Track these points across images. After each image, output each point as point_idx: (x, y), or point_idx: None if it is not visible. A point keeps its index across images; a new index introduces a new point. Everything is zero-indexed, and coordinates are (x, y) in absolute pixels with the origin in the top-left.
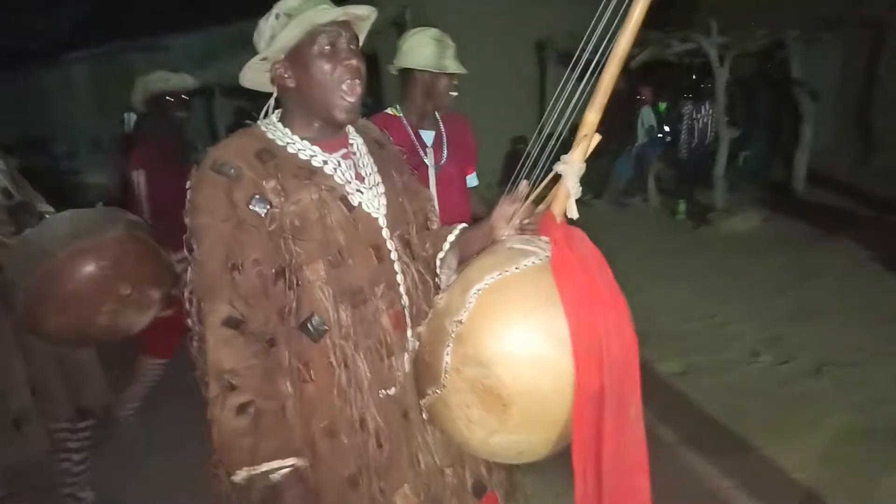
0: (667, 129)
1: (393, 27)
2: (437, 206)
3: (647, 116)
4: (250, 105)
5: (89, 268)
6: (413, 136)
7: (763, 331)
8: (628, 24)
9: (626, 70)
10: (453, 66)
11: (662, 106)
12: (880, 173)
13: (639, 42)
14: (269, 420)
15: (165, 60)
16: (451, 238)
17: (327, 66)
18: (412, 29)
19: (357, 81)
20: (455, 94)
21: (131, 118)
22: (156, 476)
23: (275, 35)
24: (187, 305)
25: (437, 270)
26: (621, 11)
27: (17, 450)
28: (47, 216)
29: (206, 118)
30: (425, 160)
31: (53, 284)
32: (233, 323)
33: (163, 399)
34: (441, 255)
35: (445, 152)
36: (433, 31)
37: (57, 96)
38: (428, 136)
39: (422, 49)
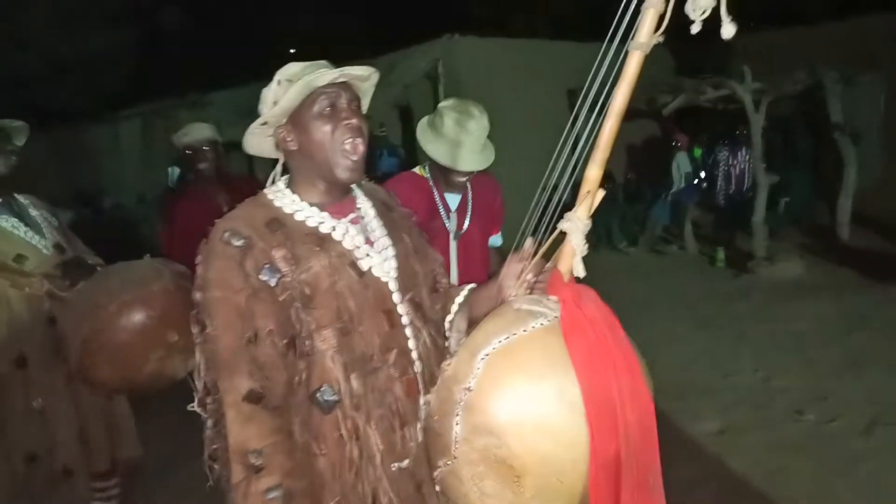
0: (703, 175)
1: (426, 79)
2: (455, 272)
3: (682, 162)
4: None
5: (138, 318)
6: (438, 199)
7: (809, 386)
8: (623, 77)
9: (660, 116)
10: (467, 162)
11: (698, 151)
12: None
13: (672, 89)
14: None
15: (209, 116)
16: (459, 299)
17: (327, 127)
18: (444, 101)
19: (359, 140)
20: (463, 179)
21: (174, 172)
22: None
23: (277, 101)
24: (199, 387)
25: (447, 333)
26: (620, 61)
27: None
28: (98, 269)
29: (248, 170)
30: (447, 225)
31: (105, 335)
32: (254, 397)
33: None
34: (450, 317)
35: (469, 218)
36: (454, 117)
37: (107, 152)
38: (453, 199)
39: (438, 143)
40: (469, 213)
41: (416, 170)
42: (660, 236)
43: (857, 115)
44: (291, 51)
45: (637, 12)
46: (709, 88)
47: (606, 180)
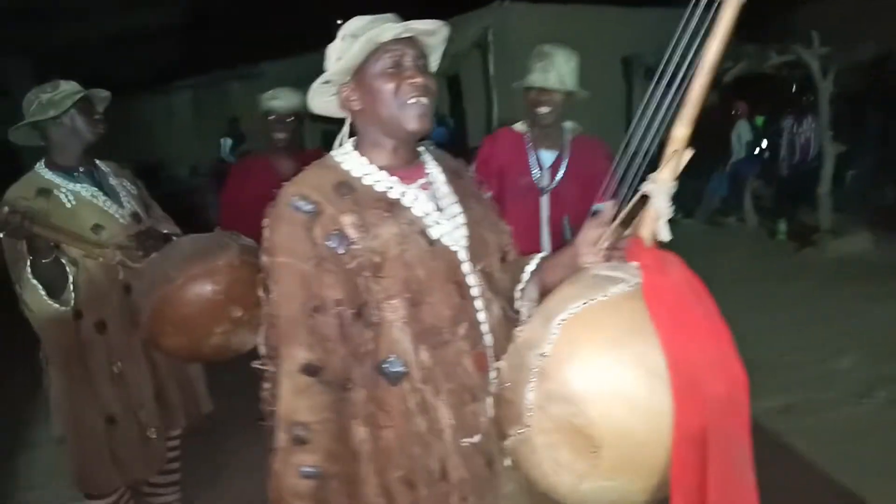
0: (765, 144)
1: (475, 48)
2: (547, 232)
3: (743, 131)
4: (338, 129)
5: (204, 292)
6: (531, 154)
7: (875, 367)
8: (717, 30)
9: (719, 84)
10: (538, 78)
11: (760, 120)
12: None
13: (733, 55)
14: (332, 489)
15: (259, 87)
16: (530, 268)
17: (390, 85)
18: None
19: (424, 99)
20: (545, 109)
21: (227, 143)
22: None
23: (340, 57)
24: (261, 348)
25: (517, 302)
26: (708, 20)
27: (143, 464)
28: (173, 238)
29: (298, 142)
30: (536, 180)
31: (171, 307)
32: (311, 370)
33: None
34: (520, 286)
35: (561, 175)
36: (537, 48)
37: (161, 123)
38: (548, 156)
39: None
40: (563, 170)
41: (516, 126)
42: (717, 208)
43: None
44: (339, 21)
45: None
46: (773, 54)
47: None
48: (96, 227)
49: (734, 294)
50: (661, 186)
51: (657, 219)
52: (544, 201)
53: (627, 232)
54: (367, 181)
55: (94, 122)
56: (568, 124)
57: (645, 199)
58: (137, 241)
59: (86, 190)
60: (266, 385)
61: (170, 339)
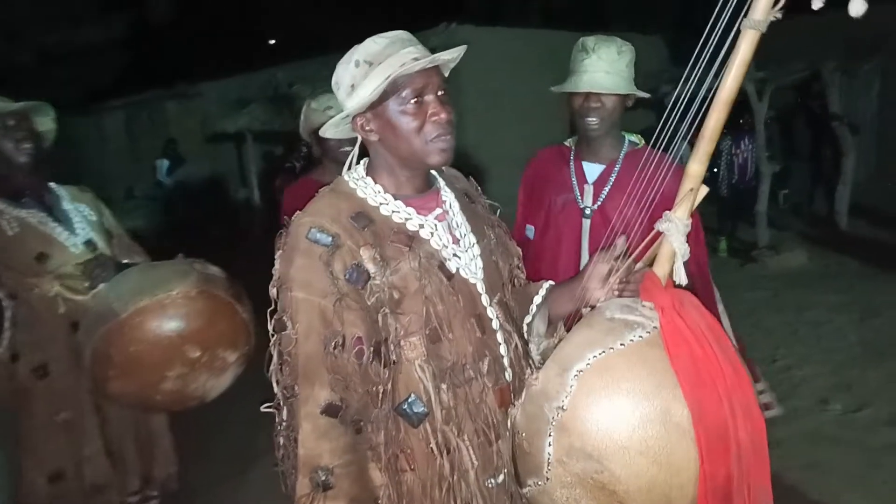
0: None
1: None
2: (585, 259)
3: (685, 153)
4: (280, 149)
5: (154, 328)
6: (571, 169)
7: (830, 375)
8: (734, 65)
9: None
10: (580, 80)
11: None
12: None
13: (672, 80)
14: None
15: (197, 107)
16: (537, 300)
17: (414, 124)
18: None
19: (448, 137)
20: (594, 118)
21: (163, 165)
22: None
23: (355, 85)
24: (275, 388)
25: (525, 336)
26: (718, 51)
27: None
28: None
29: (237, 163)
30: (577, 200)
31: (115, 347)
32: (333, 410)
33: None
34: (528, 319)
35: (606, 192)
36: (581, 42)
37: (93, 144)
38: (593, 170)
39: (565, 82)
40: (609, 187)
41: (567, 141)
42: None
43: (855, 106)
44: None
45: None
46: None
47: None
48: (41, 256)
49: None
50: (677, 225)
51: (673, 258)
52: (586, 224)
53: (639, 266)
54: (384, 211)
55: (21, 139)
56: (631, 135)
57: (659, 234)
58: (84, 270)
59: (33, 216)
60: (280, 428)
61: (116, 383)
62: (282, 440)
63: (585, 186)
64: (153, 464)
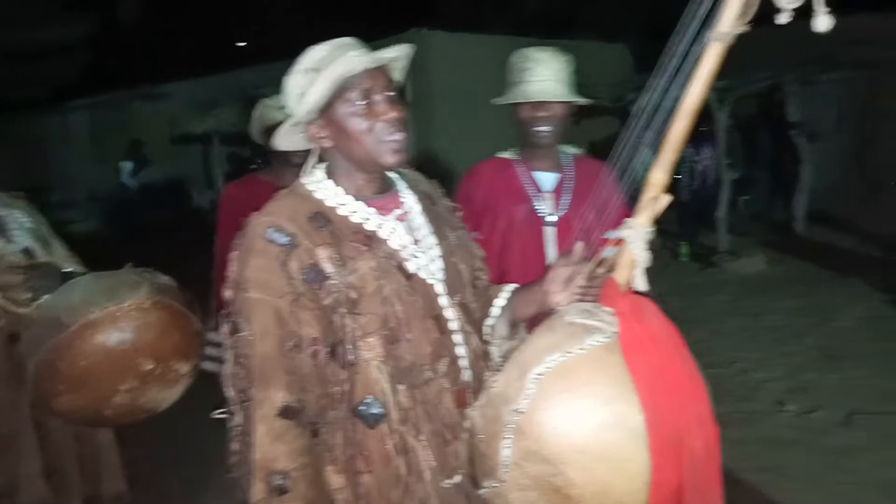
0: None
1: None
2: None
3: (647, 159)
4: (247, 151)
5: (106, 341)
6: (525, 179)
7: (787, 378)
8: (699, 75)
9: (624, 113)
10: (534, 91)
11: None
12: (881, 212)
13: (636, 87)
14: None
15: (163, 108)
16: (499, 302)
17: (364, 124)
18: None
19: (400, 134)
20: (545, 127)
21: (127, 167)
22: None
23: (303, 93)
24: (228, 393)
25: (486, 338)
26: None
27: None
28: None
29: (203, 165)
30: (538, 208)
31: (65, 361)
32: (289, 412)
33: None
34: (490, 321)
35: (568, 200)
36: (522, 57)
37: (56, 144)
38: (548, 179)
39: (509, 91)
40: (569, 194)
41: (505, 153)
42: None
43: (814, 115)
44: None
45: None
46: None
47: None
48: None
49: None
50: (638, 232)
51: (634, 265)
52: (550, 233)
53: (600, 271)
54: (342, 212)
55: None
56: (564, 146)
57: (621, 241)
58: (24, 280)
59: None
60: (235, 433)
61: (64, 399)
62: (236, 445)
63: (543, 195)
64: (100, 482)
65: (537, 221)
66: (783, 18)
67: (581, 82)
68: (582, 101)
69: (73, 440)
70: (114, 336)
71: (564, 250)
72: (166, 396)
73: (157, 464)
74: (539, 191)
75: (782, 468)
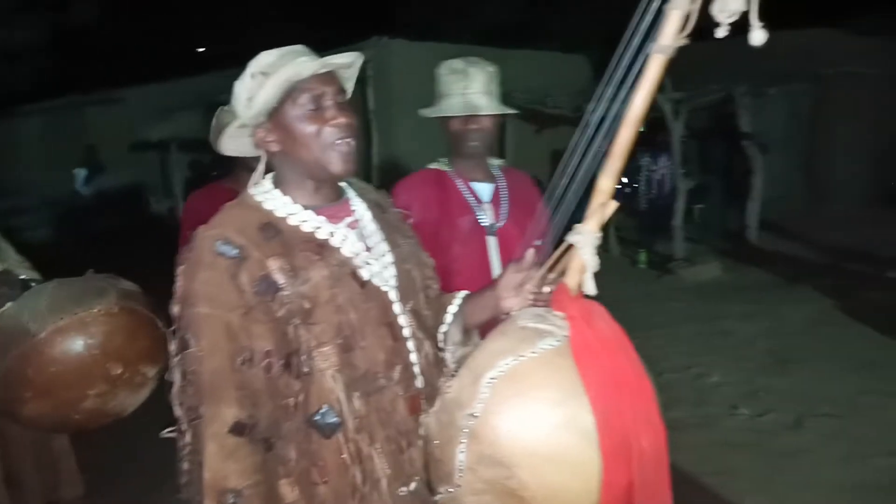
0: (625, 181)
1: (355, 83)
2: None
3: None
4: (206, 158)
5: (75, 347)
6: (464, 190)
7: (740, 382)
8: (642, 85)
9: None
10: (471, 104)
11: None
12: (829, 221)
13: (595, 96)
14: None
15: (119, 113)
16: (452, 309)
17: (313, 128)
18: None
19: (349, 140)
20: (477, 139)
21: (81, 174)
22: None
23: (252, 97)
24: (177, 411)
25: (440, 345)
26: (632, 72)
27: None
28: (32, 285)
29: (160, 172)
30: (480, 219)
31: (33, 368)
32: (240, 429)
33: None
34: (444, 328)
35: (506, 210)
36: (450, 69)
37: (7, 150)
38: (484, 189)
39: (440, 104)
40: (506, 203)
41: (433, 164)
42: None
43: (764, 127)
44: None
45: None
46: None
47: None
48: None
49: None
50: (587, 237)
51: (583, 270)
52: (492, 242)
53: (552, 276)
54: (292, 221)
55: None
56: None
57: (570, 247)
58: None
59: None
60: (184, 452)
61: (31, 406)
62: (186, 465)
63: (483, 206)
64: (58, 487)
65: (480, 232)
66: (721, 33)
67: (542, 92)
68: (511, 111)
69: (31, 447)
70: (83, 342)
71: (507, 259)
72: (134, 400)
73: (114, 468)
74: (479, 201)
75: (735, 471)
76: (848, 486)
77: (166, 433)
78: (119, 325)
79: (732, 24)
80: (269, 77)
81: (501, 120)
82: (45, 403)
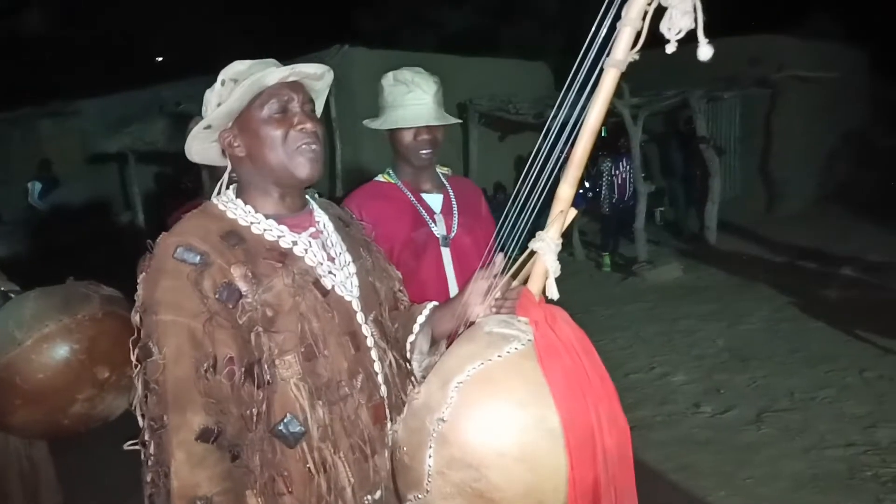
0: (588, 185)
1: None
2: (453, 284)
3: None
4: (171, 170)
5: (62, 353)
6: (415, 202)
7: (702, 380)
8: (598, 95)
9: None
10: (420, 115)
11: None
12: (784, 221)
13: (556, 102)
14: None
15: (74, 126)
16: (420, 319)
17: (279, 132)
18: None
19: (314, 146)
20: (427, 150)
21: (36, 187)
22: None
23: (221, 103)
24: (141, 422)
25: (408, 355)
26: (589, 83)
27: None
28: (11, 296)
29: (119, 185)
30: (434, 231)
31: (21, 376)
32: (208, 435)
33: None
34: (412, 337)
35: (456, 220)
36: (391, 81)
37: None
38: (434, 200)
39: (384, 115)
40: (456, 213)
41: (379, 177)
42: None
43: (720, 130)
44: (158, 59)
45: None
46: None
47: (497, 190)
48: None
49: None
50: (549, 244)
51: (546, 276)
52: (446, 253)
53: (515, 283)
54: (256, 230)
55: None
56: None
57: (533, 253)
58: None
59: None
60: (148, 464)
61: (19, 413)
62: (150, 476)
63: (435, 217)
64: (37, 495)
65: (435, 244)
66: (670, 48)
67: (505, 98)
68: (455, 121)
69: (15, 457)
70: (69, 347)
71: (462, 269)
72: (121, 403)
73: (93, 476)
74: (431, 214)
75: (697, 466)
76: (808, 478)
77: (129, 445)
78: (104, 329)
79: (686, 35)
80: (238, 83)
81: (448, 130)
82: (34, 410)
